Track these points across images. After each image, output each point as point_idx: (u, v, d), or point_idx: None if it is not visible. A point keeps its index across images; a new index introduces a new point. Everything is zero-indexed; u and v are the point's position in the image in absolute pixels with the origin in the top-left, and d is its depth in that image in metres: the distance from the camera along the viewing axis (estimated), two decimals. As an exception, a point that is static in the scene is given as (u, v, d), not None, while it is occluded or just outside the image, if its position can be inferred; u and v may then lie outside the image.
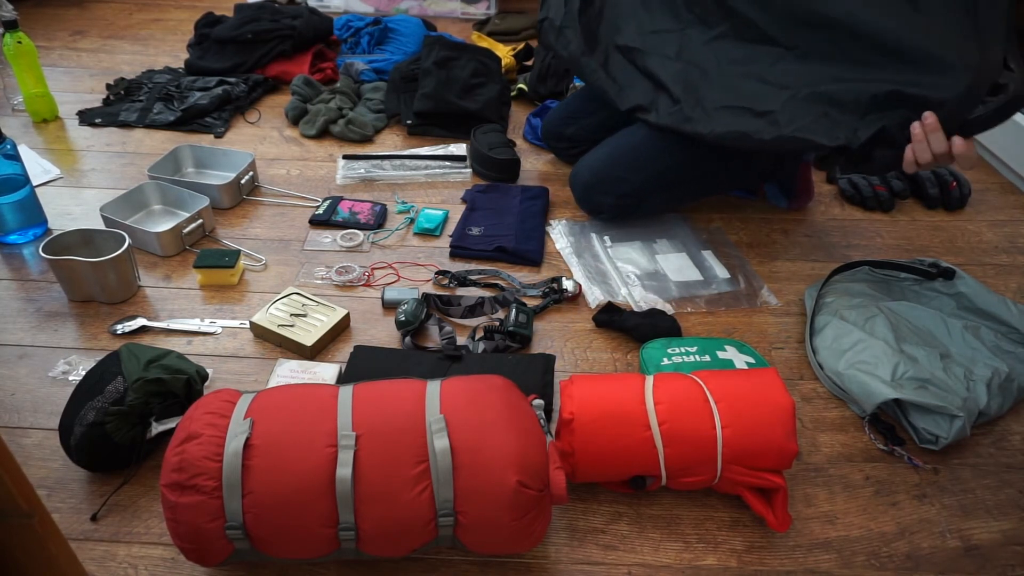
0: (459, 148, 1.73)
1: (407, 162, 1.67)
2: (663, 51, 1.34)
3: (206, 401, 0.82)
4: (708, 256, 1.42)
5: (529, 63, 2.14)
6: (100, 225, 1.34)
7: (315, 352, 1.15)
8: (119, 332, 1.18)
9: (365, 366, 1.08)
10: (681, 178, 1.44)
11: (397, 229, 1.47)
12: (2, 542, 0.54)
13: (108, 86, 1.95)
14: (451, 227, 1.47)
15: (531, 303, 1.27)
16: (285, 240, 1.43)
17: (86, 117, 1.82)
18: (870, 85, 1.12)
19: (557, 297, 1.29)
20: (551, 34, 1.46)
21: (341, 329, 1.21)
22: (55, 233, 1.30)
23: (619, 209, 1.45)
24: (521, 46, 2.17)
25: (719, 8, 1.28)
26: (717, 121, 1.25)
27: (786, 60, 1.22)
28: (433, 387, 0.85)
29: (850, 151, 1.14)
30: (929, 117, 1.05)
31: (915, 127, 1.07)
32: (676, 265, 1.38)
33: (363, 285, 1.32)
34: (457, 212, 1.52)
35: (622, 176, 1.41)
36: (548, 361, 1.10)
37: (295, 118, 1.83)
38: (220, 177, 1.56)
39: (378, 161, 1.67)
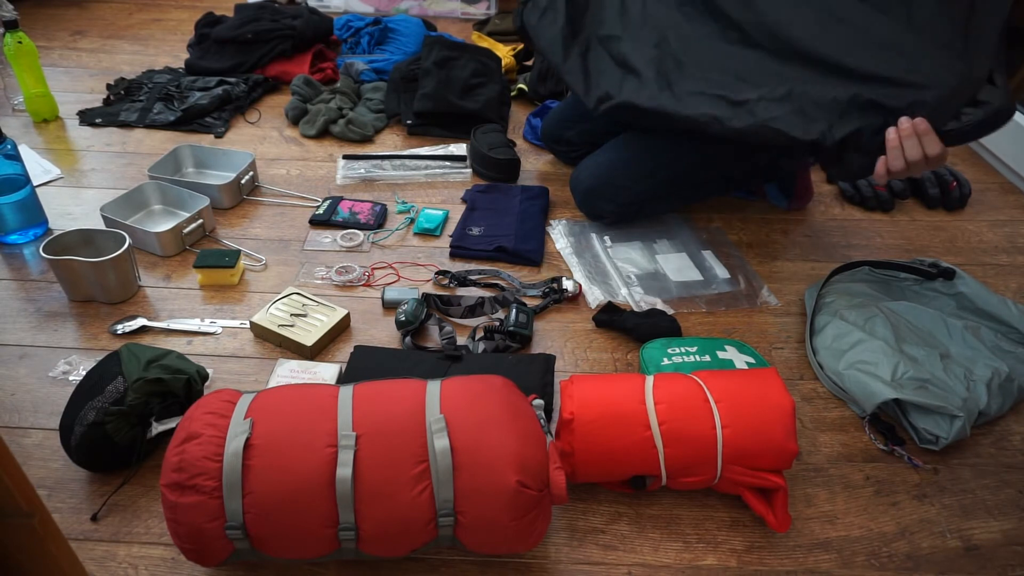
0: (459, 148, 1.73)
1: (407, 162, 1.67)
2: (643, 39, 1.30)
3: (206, 401, 0.82)
4: (708, 256, 1.42)
5: (529, 63, 2.14)
6: (100, 225, 1.34)
7: (315, 352, 1.15)
8: (119, 332, 1.18)
9: (365, 366, 1.08)
10: (682, 185, 1.44)
11: (397, 229, 1.47)
12: (2, 542, 0.54)
13: (108, 86, 1.95)
14: (451, 227, 1.47)
15: (531, 303, 1.27)
16: (285, 240, 1.43)
17: (86, 117, 1.82)
18: (850, 89, 1.11)
19: (557, 297, 1.29)
20: (535, 14, 1.41)
21: (341, 329, 1.21)
22: (55, 233, 1.30)
23: (620, 215, 1.46)
24: (521, 46, 2.17)
25: (708, 10, 1.26)
26: (688, 104, 1.22)
27: (767, 62, 1.20)
28: (433, 387, 0.85)
29: (823, 149, 1.13)
30: (922, 124, 1.04)
31: (891, 132, 1.06)
32: (676, 265, 1.38)
33: (363, 285, 1.32)
34: (457, 212, 1.52)
35: (623, 185, 1.41)
36: (548, 361, 1.10)
37: (295, 118, 1.83)
38: (220, 177, 1.56)
39: (378, 161, 1.67)
